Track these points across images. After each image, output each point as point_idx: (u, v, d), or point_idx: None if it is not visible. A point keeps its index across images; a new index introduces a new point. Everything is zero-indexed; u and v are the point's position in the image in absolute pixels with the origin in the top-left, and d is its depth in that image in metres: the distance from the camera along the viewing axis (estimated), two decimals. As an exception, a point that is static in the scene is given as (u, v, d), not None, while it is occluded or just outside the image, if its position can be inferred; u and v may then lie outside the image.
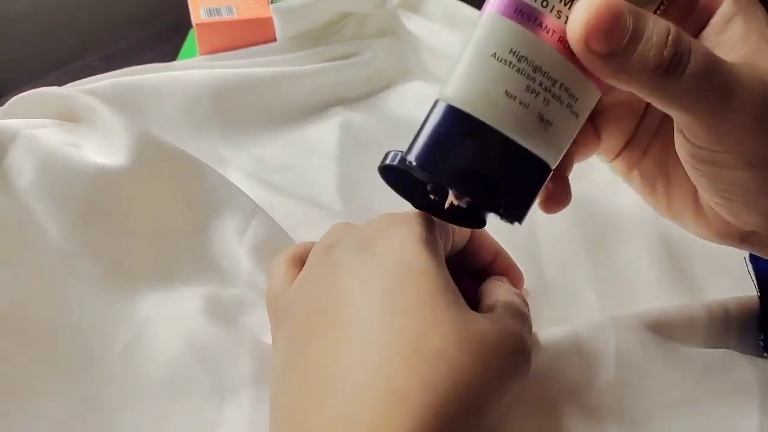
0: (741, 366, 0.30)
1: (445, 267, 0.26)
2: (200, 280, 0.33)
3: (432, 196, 0.26)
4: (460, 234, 0.30)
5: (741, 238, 0.26)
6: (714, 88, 0.20)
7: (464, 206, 0.24)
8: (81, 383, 0.29)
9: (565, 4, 0.21)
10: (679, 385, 0.30)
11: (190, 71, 0.46)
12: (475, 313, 0.25)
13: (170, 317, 0.31)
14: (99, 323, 0.31)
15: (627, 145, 0.29)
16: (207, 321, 0.31)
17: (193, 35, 0.55)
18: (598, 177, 0.40)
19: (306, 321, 0.25)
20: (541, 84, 0.21)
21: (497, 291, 0.28)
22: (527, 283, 0.34)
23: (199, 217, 0.35)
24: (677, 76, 0.20)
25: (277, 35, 0.52)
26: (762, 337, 0.32)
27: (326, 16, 0.52)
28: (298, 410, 0.23)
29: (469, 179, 0.22)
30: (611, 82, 0.21)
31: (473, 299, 0.28)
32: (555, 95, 0.21)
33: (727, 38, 0.22)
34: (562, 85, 0.21)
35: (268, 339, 0.31)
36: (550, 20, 0.21)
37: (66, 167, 0.31)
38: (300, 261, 0.30)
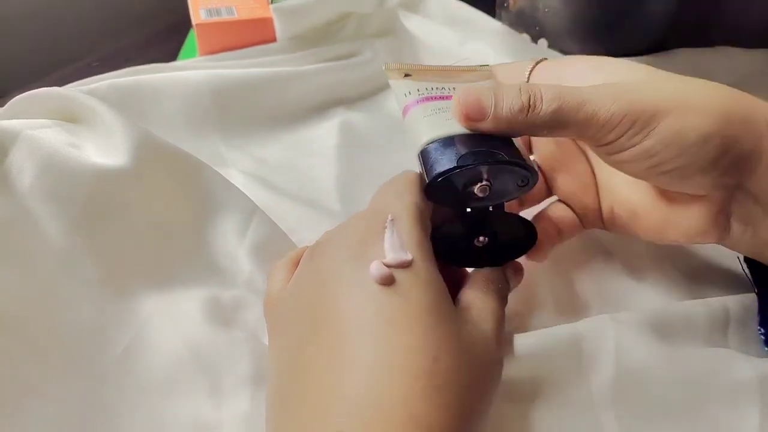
0: (741, 366, 0.30)
1: (438, 271, 0.26)
2: (200, 281, 0.33)
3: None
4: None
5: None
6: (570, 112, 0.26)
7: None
8: (81, 383, 0.29)
9: None
10: (679, 384, 0.30)
11: (190, 71, 0.46)
12: (462, 319, 0.26)
13: (170, 318, 0.31)
14: (99, 324, 0.31)
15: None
16: (207, 322, 0.31)
17: (193, 35, 0.55)
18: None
19: (300, 332, 0.25)
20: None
21: (473, 292, 0.28)
22: (527, 285, 0.34)
23: (199, 217, 0.35)
24: (537, 111, 0.26)
25: (277, 35, 0.52)
26: (762, 332, 0.32)
27: (326, 16, 0.52)
28: (304, 424, 0.23)
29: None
30: (503, 131, 0.27)
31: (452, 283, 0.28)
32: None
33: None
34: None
35: (267, 340, 0.31)
36: None
37: (66, 168, 0.31)
38: (297, 264, 0.30)
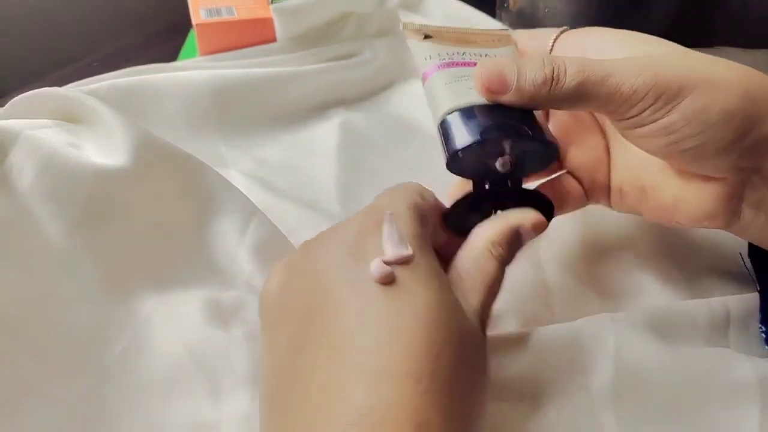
0: (741, 366, 0.30)
1: (437, 262, 0.25)
2: (200, 282, 0.33)
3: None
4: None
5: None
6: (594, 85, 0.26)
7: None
8: (81, 383, 0.29)
9: None
10: (679, 384, 0.30)
11: (191, 72, 0.46)
12: (462, 308, 0.25)
13: (170, 318, 0.31)
14: (99, 324, 0.31)
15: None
16: (206, 322, 0.31)
17: (193, 35, 0.55)
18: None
19: (297, 331, 0.24)
20: None
21: (470, 258, 0.26)
22: (527, 284, 0.34)
23: (199, 218, 0.35)
24: (561, 84, 0.26)
25: (277, 35, 0.52)
26: (763, 329, 0.32)
27: (326, 16, 0.52)
28: (310, 424, 0.22)
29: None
30: (525, 104, 0.27)
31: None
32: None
33: None
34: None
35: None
36: None
37: (67, 168, 0.31)
38: None
